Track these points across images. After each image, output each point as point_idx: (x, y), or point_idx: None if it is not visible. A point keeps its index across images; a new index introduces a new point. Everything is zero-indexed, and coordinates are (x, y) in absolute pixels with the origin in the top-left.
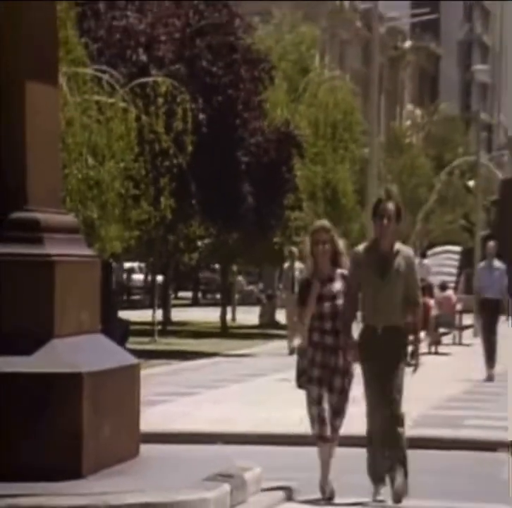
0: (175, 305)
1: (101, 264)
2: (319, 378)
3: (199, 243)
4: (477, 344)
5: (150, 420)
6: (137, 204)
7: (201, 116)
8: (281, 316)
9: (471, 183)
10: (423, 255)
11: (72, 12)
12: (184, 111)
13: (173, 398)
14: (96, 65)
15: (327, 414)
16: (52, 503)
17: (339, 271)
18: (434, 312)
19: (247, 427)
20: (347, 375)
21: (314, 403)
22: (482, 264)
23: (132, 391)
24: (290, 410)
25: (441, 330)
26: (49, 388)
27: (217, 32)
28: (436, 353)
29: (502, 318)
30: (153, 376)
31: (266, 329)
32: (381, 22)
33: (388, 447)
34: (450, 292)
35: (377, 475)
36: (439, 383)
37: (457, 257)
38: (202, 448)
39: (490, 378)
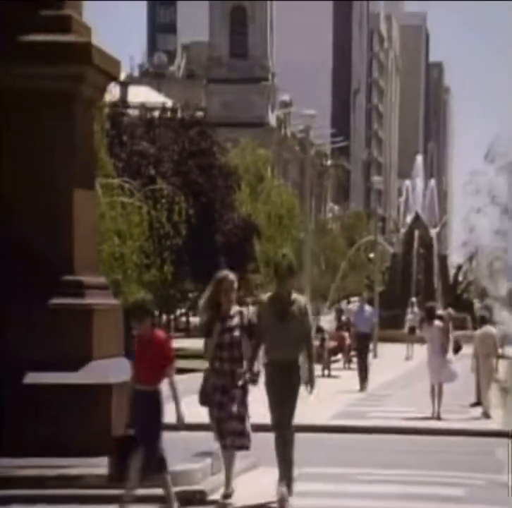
0: (174, 337)
1: (123, 311)
2: (220, 402)
3: (190, 295)
4: (374, 363)
5: None
6: (148, 270)
7: (191, 211)
8: None
9: (371, 256)
10: (348, 302)
11: (104, 140)
12: (180, 208)
13: (171, 400)
14: (121, 178)
15: (226, 430)
16: (90, 472)
17: (237, 308)
18: (348, 341)
19: None
20: (244, 390)
21: (214, 422)
22: (357, 308)
23: None
24: (256, 407)
25: (352, 353)
26: (89, 393)
27: (202, 154)
28: (349, 368)
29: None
30: None
31: None
32: (312, 147)
33: (279, 465)
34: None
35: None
36: (349, 389)
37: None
38: (192, 434)
39: (362, 389)
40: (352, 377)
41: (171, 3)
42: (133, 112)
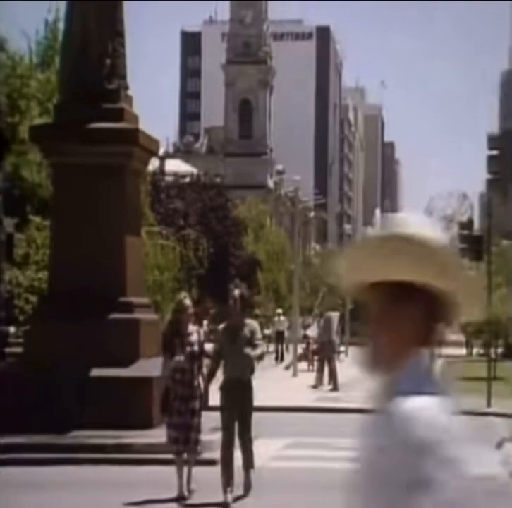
0: None
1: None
2: (179, 410)
3: (211, 311)
4: (345, 361)
5: None
6: (179, 292)
7: (211, 250)
8: None
9: None
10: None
11: (147, 200)
12: (202, 248)
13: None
14: (160, 226)
15: (183, 437)
16: (138, 441)
17: (195, 327)
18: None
19: None
20: (201, 399)
21: (173, 428)
22: (316, 320)
23: None
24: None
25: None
26: (137, 383)
27: (219, 209)
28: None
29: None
30: None
31: None
32: (299, 203)
33: (243, 458)
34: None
35: (226, 476)
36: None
37: (337, 318)
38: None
39: (318, 386)
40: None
41: (196, 98)
42: (168, 179)
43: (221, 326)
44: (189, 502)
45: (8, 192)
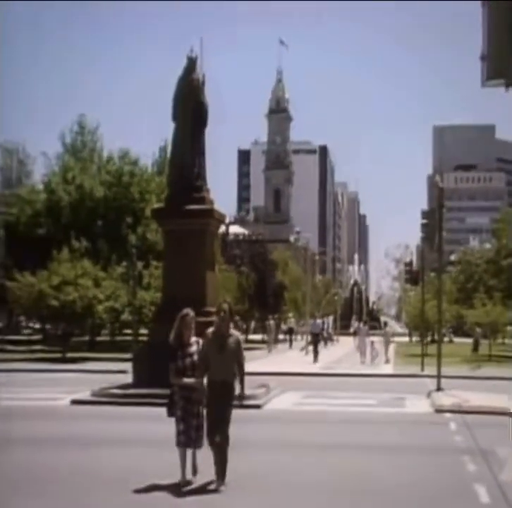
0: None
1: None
2: (184, 408)
3: (255, 316)
4: (338, 346)
5: None
6: (236, 305)
7: (256, 279)
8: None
9: (336, 298)
10: (314, 318)
11: (219, 250)
12: (251, 278)
13: None
14: (226, 265)
15: (185, 430)
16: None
17: (194, 338)
18: (325, 334)
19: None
20: (201, 403)
21: (178, 423)
22: (312, 321)
23: None
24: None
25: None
26: None
27: (261, 254)
28: (325, 348)
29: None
30: None
31: None
32: (309, 251)
33: (216, 456)
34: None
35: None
36: (326, 358)
37: (331, 319)
38: (259, 377)
39: (315, 362)
40: (328, 355)
41: (248, 189)
42: (231, 237)
43: (209, 332)
44: (191, 487)
45: (138, 247)
